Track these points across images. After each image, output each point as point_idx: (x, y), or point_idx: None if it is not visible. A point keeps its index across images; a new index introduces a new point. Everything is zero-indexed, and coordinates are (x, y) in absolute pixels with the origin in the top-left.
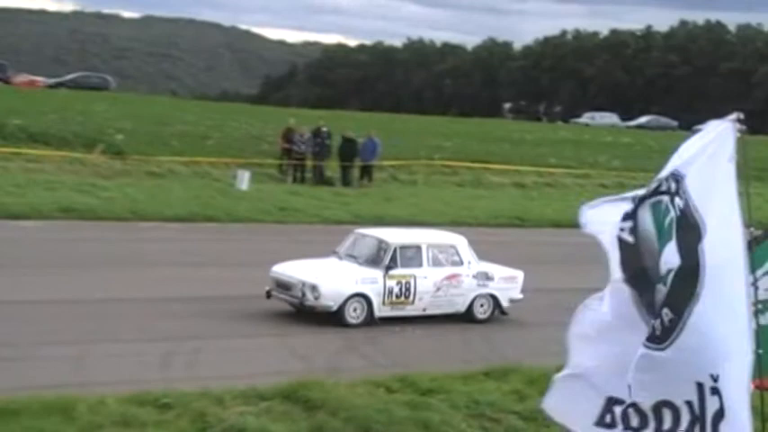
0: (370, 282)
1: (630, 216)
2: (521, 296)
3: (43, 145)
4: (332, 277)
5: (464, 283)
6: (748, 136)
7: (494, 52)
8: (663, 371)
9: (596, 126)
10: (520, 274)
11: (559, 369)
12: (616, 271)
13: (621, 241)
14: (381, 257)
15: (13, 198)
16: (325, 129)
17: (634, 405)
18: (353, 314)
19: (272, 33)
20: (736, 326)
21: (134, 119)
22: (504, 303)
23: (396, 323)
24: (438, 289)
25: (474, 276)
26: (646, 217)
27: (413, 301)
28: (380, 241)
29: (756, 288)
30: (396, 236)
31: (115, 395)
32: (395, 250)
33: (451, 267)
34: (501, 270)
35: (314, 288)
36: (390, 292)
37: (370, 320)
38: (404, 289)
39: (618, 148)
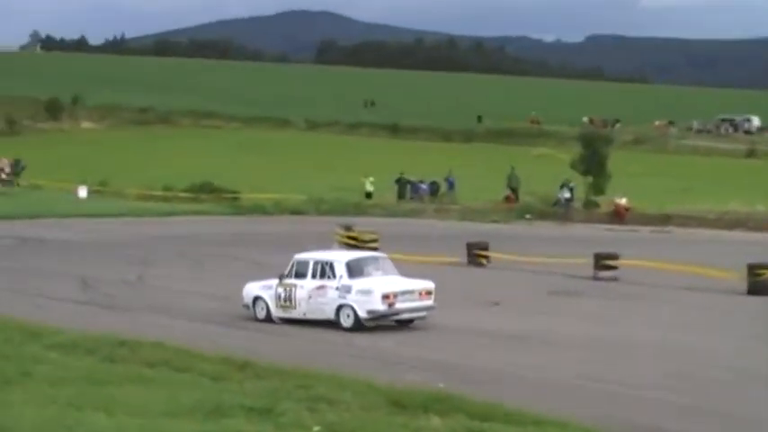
0: (268, 288)
1: None
2: (382, 308)
3: None
4: (251, 283)
5: (328, 294)
6: None
7: None
8: None
9: None
10: (377, 289)
11: None
12: None
13: None
14: (287, 268)
15: None
16: None
17: None
18: (259, 311)
19: None
20: None
21: None
22: (362, 314)
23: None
24: (310, 297)
25: (337, 288)
26: None
27: (295, 306)
28: (293, 256)
29: None
30: (310, 253)
31: None
32: (293, 264)
33: (322, 280)
34: (381, 284)
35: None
36: (279, 296)
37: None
38: (287, 295)
39: None
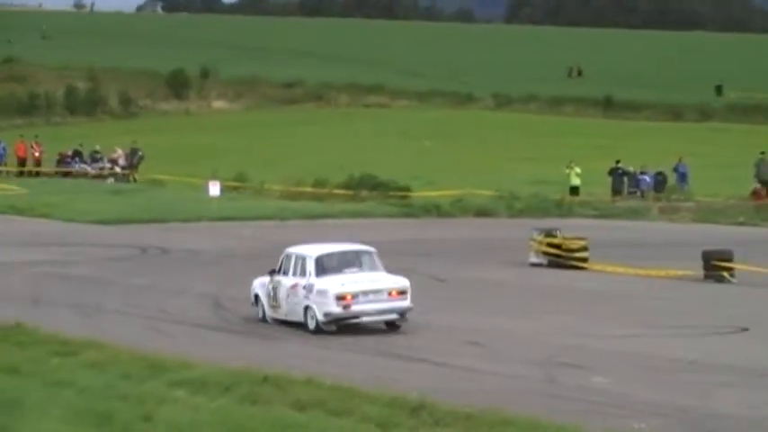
0: (262, 285)
1: None
2: (336, 310)
3: None
4: (258, 278)
5: (299, 294)
6: None
7: None
8: None
9: None
10: (332, 289)
11: None
12: None
13: None
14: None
15: None
16: None
17: None
18: (259, 311)
19: None
20: None
21: None
22: (319, 317)
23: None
24: (288, 296)
25: (303, 287)
26: None
27: (280, 305)
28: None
29: None
30: (297, 246)
31: None
32: (282, 258)
33: (296, 278)
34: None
35: None
36: (269, 295)
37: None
38: (274, 294)
39: None
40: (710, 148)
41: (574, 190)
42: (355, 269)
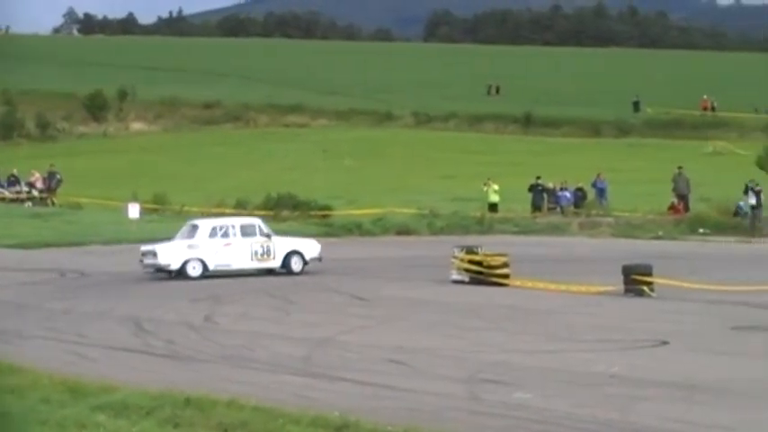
0: None
1: None
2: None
3: None
4: None
5: None
6: None
7: None
8: None
9: None
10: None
11: None
12: None
13: None
14: None
15: None
16: None
17: None
18: None
19: None
20: None
21: None
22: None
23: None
24: None
25: None
26: None
27: None
28: None
29: None
30: None
31: None
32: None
33: None
34: None
35: None
36: None
37: None
38: None
39: None
40: (629, 164)
41: (492, 207)
42: None
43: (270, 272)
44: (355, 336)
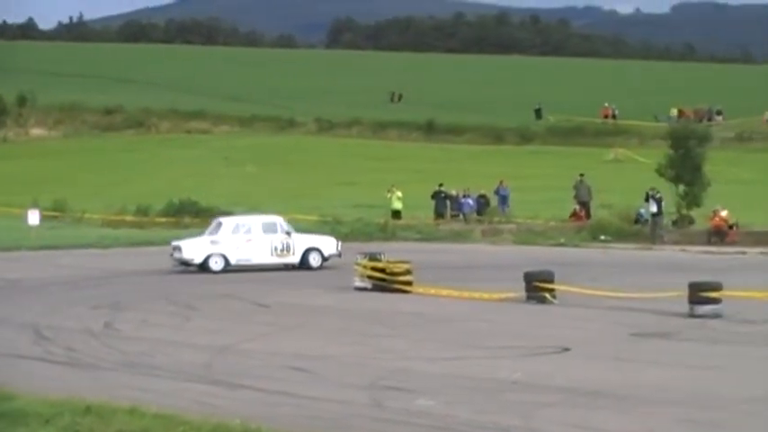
0: None
1: None
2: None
3: None
4: None
5: None
6: None
7: None
8: None
9: None
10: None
11: None
12: None
13: None
14: None
15: None
16: None
17: None
18: None
19: None
20: None
21: None
22: None
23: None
24: None
25: None
26: None
27: None
28: None
29: None
30: None
31: None
32: None
33: None
34: None
35: None
36: None
37: None
38: None
39: None
40: (531, 171)
41: (396, 214)
42: None
43: (290, 267)
44: (257, 343)
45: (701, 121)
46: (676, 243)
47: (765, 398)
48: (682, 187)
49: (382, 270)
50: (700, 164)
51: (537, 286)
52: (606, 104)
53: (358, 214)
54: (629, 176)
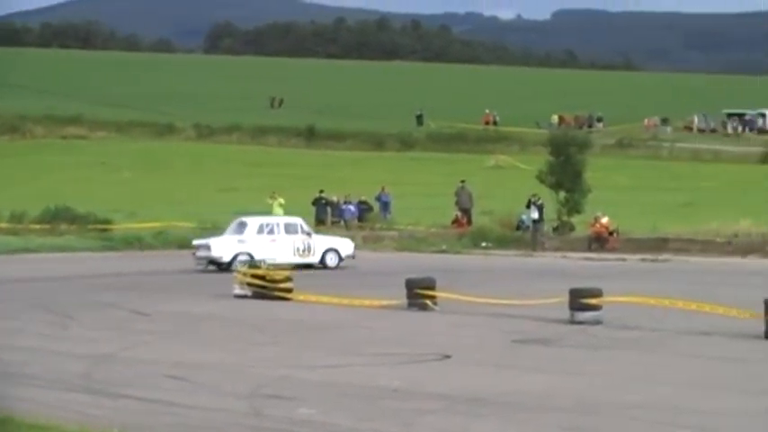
0: None
1: None
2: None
3: None
4: None
5: None
6: None
7: None
8: None
9: None
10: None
11: None
12: None
13: None
14: None
15: None
16: None
17: None
18: None
19: None
20: None
21: None
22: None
23: None
24: None
25: None
26: None
27: None
28: None
29: None
30: None
31: None
32: None
33: None
34: None
35: None
36: None
37: None
38: None
39: None
40: (412, 177)
41: None
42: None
43: (308, 266)
44: (136, 351)
45: (581, 127)
46: (557, 250)
47: (645, 403)
48: (562, 194)
49: (262, 277)
50: (580, 170)
51: (418, 293)
52: (487, 111)
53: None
54: (511, 183)
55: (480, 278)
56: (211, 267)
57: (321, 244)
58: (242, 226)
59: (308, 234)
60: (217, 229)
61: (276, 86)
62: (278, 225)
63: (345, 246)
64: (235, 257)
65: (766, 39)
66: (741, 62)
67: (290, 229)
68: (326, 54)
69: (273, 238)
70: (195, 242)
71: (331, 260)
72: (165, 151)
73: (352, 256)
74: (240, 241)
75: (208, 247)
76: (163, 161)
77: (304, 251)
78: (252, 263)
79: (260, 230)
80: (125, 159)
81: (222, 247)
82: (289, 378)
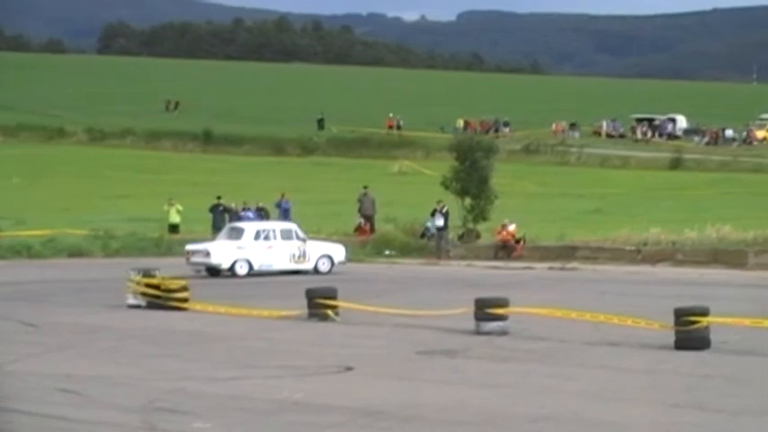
0: None
1: None
2: None
3: None
4: None
5: None
6: None
7: None
8: None
9: None
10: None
11: None
12: None
13: None
14: None
15: None
16: None
17: None
18: None
19: None
20: None
21: None
22: None
23: None
24: None
25: None
26: None
27: None
28: None
29: None
30: None
31: None
32: None
33: None
34: None
35: None
36: None
37: None
38: None
39: None
40: (313, 183)
41: (173, 228)
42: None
43: (301, 273)
44: (25, 364)
45: (487, 132)
46: (462, 258)
47: (551, 416)
48: (468, 200)
49: (157, 287)
50: (486, 176)
51: (319, 303)
52: (391, 115)
53: (131, 228)
54: (415, 189)
55: (384, 287)
56: (203, 273)
57: (315, 250)
58: (237, 232)
59: (303, 240)
60: (110, 238)
61: (172, 89)
62: (274, 231)
63: (338, 252)
64: (234, 263)
65: (677, 42)
66: (651, 65)
67: (286, 235)
68: (224, 55)
69: (270, 245)
70: (189, 247)
71: (323, 265)
72: (56, 156)
73: (344, 262)
74: (239, 247)
75: (206, 253)
76: (53, 167)
77: (299, 257)
78: (146, 271)
79: (257, 236)
80: (13, 165)
81: (222, 253)
82: (184, 391)
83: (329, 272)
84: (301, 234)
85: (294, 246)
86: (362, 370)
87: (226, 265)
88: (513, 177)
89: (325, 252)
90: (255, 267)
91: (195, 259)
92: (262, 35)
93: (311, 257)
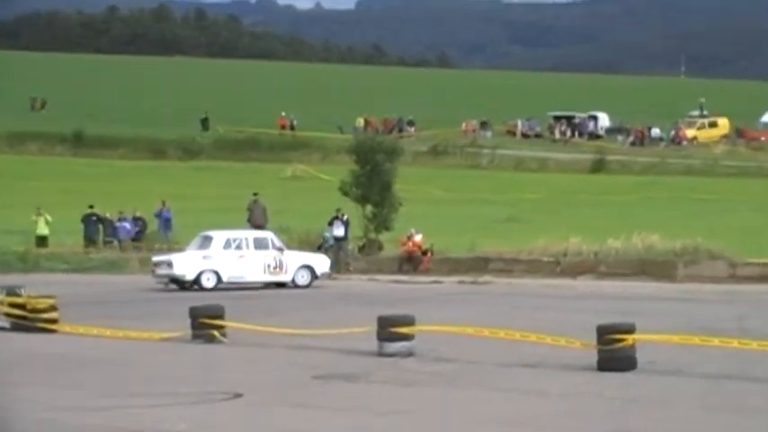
0: None
1: None
2: None
3: None
4: None
5: None
6: None
7: None
8: None
9: None
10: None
11: None
12: None
13: None
14: None
15: None
16: None
17: None
18: None
19: None
20: None
21: None
22: None
23: None
24: None
25: None
26: None
27: None
28: None
29: None
30: None
31: None
32: None
33: None
34: None
35: None
36: None
37: None
38: None
39: None
40: (197, 190)
41: (42, 240)
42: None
43: (280, 285)
44: None
45: (390, 132)
46: (364, 272)
47: None
48: (369, 208)
49: (22, 306)
50: (389, 181)
51: (204, 323)
52: (283, 114)
53: None
54: (310, 196)
55: (276, 306)
56: (173, 286)
57: (294, 261)
58: (207, 240)
59: (280, 249)
60: None
61: (37, 86)
62: (246, 240)
63: (321, 263)
64: (199, 275)
65: (598, 32)
66: (570, 58)
67: (259, 244)
68: (96, 48)
69: (242, 254)
70: (155, 258)
71: (302, 278)
72: None
73: (329, 275)
74: (205, 257)
75: (169, 264)
76: None
77: (275, 268)
78: (10, 289)
79: (227, 245)
80: None
81: (185, 263)
82: (54, 423)
83: (309, 285)
84: (278, 243)
85: (269, 256)
86: (252, 397)
87: (190, 276)
88: (419, 182)
89: (304, 263)
90: (225, 279)
91: (160, 271)
92: (138, 25)
93: (289, 269)
